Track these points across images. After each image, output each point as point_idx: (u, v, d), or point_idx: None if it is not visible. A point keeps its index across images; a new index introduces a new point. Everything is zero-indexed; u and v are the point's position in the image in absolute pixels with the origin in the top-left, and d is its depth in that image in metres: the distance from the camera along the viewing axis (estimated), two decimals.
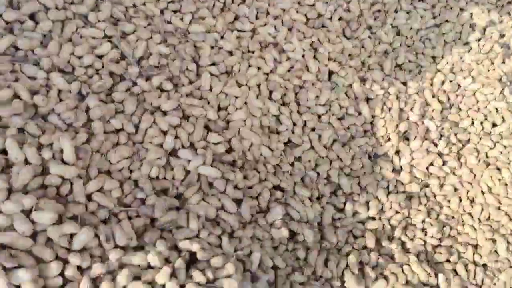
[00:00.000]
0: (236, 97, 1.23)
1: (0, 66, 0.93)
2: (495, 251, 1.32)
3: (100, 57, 1.08)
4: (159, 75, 1.13)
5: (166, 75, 1.15)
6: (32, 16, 1.06)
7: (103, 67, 1.06)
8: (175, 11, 1.32)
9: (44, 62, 0.98)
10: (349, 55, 1.44)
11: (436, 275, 1.24)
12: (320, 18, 1.49)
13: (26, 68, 0.96)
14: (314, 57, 1.37)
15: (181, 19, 1.30)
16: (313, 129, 1.34)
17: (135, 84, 1.11)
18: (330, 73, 1.41)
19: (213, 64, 1.28)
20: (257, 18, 1.42)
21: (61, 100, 0.95)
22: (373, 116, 1.42)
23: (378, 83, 1.44)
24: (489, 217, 1.37)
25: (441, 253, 1.30)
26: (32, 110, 0.90)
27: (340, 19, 1.52)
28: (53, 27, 1.05)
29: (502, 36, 1.61)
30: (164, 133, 1.07)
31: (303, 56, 1.35)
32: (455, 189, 1.40)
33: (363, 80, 1.45)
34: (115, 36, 1.11)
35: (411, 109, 1.45)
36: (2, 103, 0.85)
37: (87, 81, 1.02)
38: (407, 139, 1.41)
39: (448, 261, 1.30)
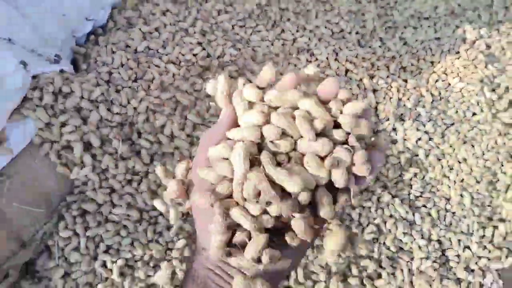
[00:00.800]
0: None
1: (141, 59, 1.60)
2: (463, 203, 1.80)
3: (195, 55, 1.72)
4: (230, 66, 1.76)
5: (234, 68, 1.78)
6: (156, 29, 1.74)
7: (196, 62, 1.71)
8: (241, 26, 1.95)
9: (164, 58, 1.64)
10: (362, 58, 1.95)
11: (414, 214, 1.75)
12: (341, 32, 2.01)
13: (154, 61, 1.63)
14: (335, 59, 1.91)
15: (245, 32, 1.92)
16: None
17: (215, 73, 1.75)
18: (346, 71, 1.92)
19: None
20: (297, 31, 1.99)
21: (174, 79, 1.61)
22: (377, 102, 1.93)
23: (383, 79, 1.95)
24: (462, 180, 1.84)
25: (420, 201, 1.81)
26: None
27: (357, 33, 2.04)
28: (168, 36, 1.71)
29: (488, 47, 2.07)
30: None
31: (327, 58, 1.90)
32: (438, 159, 1.88)
33: (371, 77, 1.98)
34: (204, 42, 1.76)
35: (408, 99, 1.96)
36: (148, 80, 1.52)
37: (187, 68, 1.67)
38: (403, 120, 1.93)
39: (424, 206, 1.79)
